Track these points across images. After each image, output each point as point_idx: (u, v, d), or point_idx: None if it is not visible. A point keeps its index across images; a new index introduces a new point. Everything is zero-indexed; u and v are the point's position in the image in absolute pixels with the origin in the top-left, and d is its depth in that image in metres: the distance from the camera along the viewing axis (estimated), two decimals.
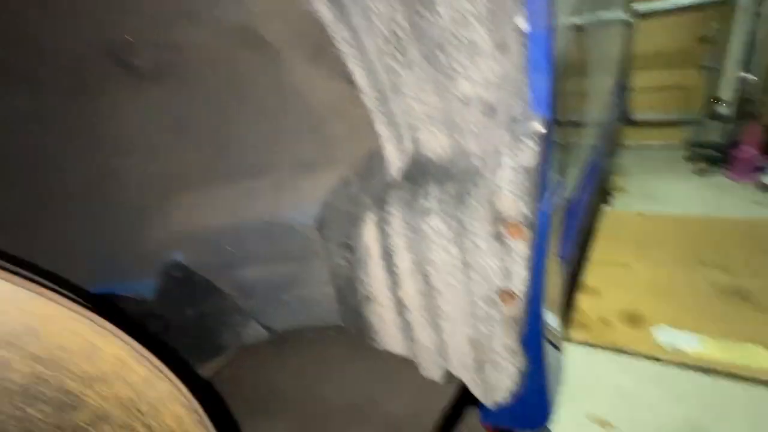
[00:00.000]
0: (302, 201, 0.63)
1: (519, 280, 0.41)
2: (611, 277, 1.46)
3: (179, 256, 0.62)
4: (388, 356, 1.19)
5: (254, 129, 0.58)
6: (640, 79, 2.92)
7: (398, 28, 0.39)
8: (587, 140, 1.01)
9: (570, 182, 0.80)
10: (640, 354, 1.08)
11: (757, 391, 0.94)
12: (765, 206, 1.99)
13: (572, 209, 0.81)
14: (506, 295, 0.43)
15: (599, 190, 1.90)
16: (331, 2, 0.40)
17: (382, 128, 0.47)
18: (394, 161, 0.49)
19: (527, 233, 0.38)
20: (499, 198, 0.38)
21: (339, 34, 0.42)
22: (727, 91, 2.86)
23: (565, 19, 0.50)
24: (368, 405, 1.02)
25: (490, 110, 0.37)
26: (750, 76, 2.77)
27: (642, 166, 2.91)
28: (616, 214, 2.06)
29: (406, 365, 1.15)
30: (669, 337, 1.12)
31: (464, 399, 0.64)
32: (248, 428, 1.01)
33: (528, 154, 0.34)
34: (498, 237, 0.40)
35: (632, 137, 3.40)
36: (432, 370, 0.56)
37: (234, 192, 0.63)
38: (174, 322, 0.66)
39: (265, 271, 0.66)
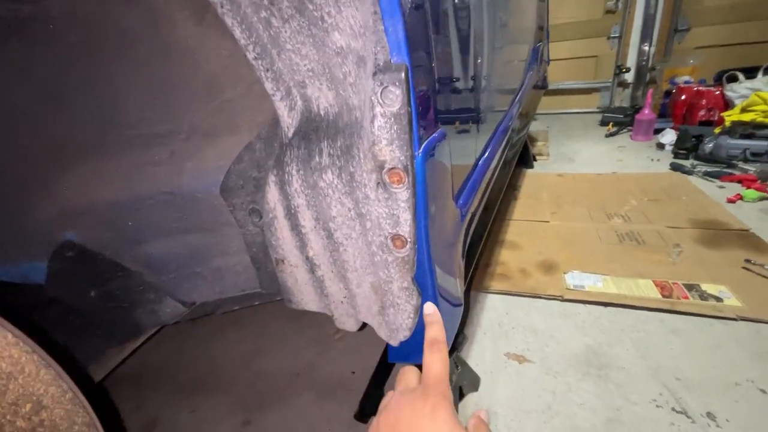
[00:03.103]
0: (206, 170, 0.61)
1: (406, 224, 0.44)
2: (531, 233, 1.59)
3: (72, 236, 0.58)
4: (323, 324, 1.22)
5: (142, 94, 0.55)
6: (557, 50, 3.12)
7: None
8: (494, 104, 1.07)
9: (477, 142, 0.86)
10: (551, 296, 1.21)
11: (642, 315, 1.10)
12: (659, 162, 2.26)
13: (479, 165, 0.87)
14: (397, 239, 0.46)
15: (520, 154, 2.03)
16: None
17: (269, 86, 0.47)
18: (287, 120, 0.49)
19: (406, 178, 0.41)
20: (377, 147, 0.40)
21: None
22: (630, 60, 3.16)
23: None
24: (306, 372, 1.05)
25: (360, 60, 0.39)
26: (649, 46, 3.07)
27: (563, 131, 3.14)
28: (538, 175, 2.23)
29: (340, 331, 1.19)
30: (576, 279, 1.27)
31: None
32: (190, 406, 1.00)
33: (394, 100, 0.37)
34: (383, 185, 0.43)
35: (553, 105, 3.65)
36: (346, 322, 0.59)
37: (129, 163, 0.59)
38: (76, 305, 0.62)
39: (173, 245, 0.64)
